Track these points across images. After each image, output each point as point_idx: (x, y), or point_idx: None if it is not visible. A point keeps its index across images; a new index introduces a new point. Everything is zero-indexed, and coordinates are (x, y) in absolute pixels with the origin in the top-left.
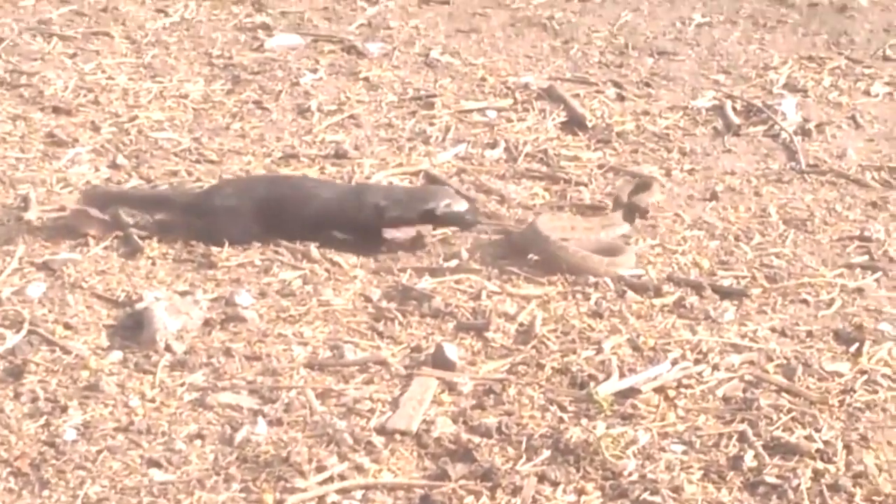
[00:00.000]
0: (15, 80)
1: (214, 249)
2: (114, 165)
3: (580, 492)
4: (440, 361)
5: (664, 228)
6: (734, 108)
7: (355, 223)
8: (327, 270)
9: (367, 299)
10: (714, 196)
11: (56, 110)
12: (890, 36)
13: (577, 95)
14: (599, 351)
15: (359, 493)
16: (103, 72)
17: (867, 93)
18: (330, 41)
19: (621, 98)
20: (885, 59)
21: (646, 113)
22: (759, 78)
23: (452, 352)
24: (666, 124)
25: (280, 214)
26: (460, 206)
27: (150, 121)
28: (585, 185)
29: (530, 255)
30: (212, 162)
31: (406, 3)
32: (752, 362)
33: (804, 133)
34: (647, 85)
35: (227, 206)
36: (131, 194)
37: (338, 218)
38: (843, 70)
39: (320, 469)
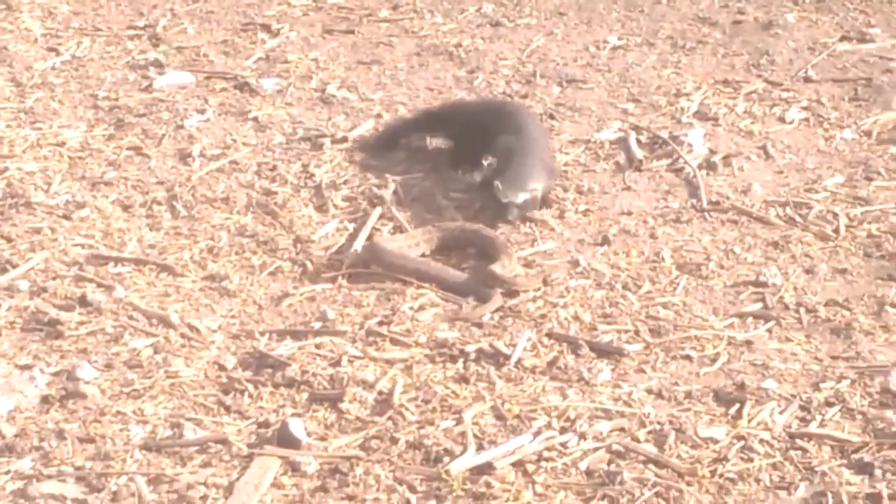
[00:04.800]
0: None
1: (64, 316)
2: None
3: None
4: (285, 439)
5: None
6: (639, 141)
7: None
8: (183, 336)
9: (221, 368)
10: (606, 240)
11: None
12: (814, 55)
13: None
14: (459, 421)
15: None
16: None
17: (782, 119)
18: (223, 78)
19: None
20: (807, 80)
21: None
22: (670, 106)
23: (298, 428)
24: (565, 160)
25: None
26: None
27: (22, 172)
28: None
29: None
30: (80, 220)
31: (309, 33)
32: (622, 429)
33: (709, 166)
34: (552, 117)
35: None
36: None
37: None
38: (759, 95)
39: None
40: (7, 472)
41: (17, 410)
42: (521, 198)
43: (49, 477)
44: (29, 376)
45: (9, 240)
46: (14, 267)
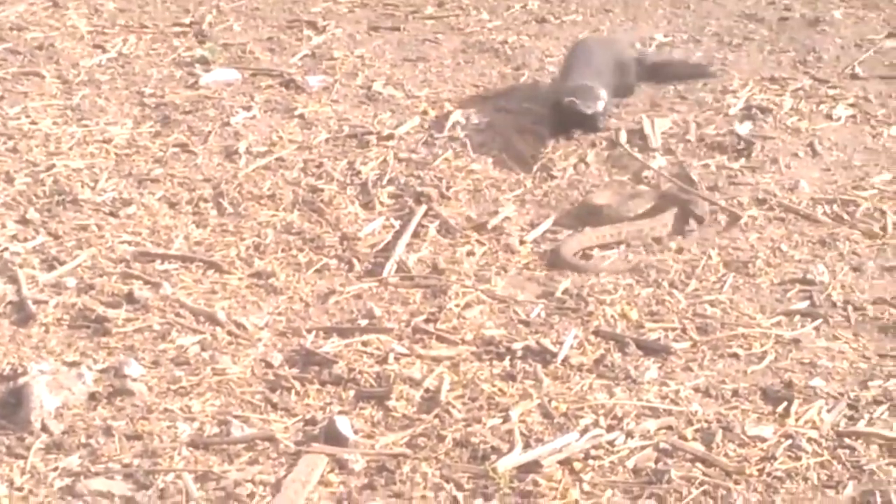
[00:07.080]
0: None
1: (111, 313)
2: (23, 220)
3: None
4: (332, 436)
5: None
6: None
7: None
8: (230, 333)
9: (268, 365)
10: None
11: None
12: (861, 52)
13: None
14: (506, 419)
15: None
16: (27, 116)
17: (829, 116)
18: (269, 75)
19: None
20: (853, 77)
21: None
22: (717, 102)
23: (345, 425)
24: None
25: None
26: None
27: (69, 169)
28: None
29: None
30: (127, 217)
31: (355, 30)
32: (669, 427)
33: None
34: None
35: None
36: None
37: None
38: (806, 92)
39: None
40: (55, 469)
41: (64, 407)
42: (600, 106)
43: (97, 474)
44: (76, 373)
45: (56, 237)
46: (61, 264)
